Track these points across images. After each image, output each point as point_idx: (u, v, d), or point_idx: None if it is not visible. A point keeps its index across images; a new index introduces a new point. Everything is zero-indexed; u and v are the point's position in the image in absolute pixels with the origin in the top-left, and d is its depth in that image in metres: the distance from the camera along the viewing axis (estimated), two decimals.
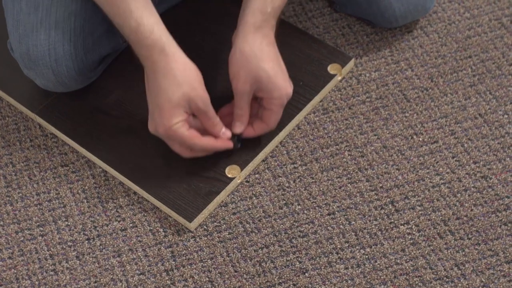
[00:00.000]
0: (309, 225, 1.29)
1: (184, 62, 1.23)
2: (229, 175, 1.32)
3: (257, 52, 1.23)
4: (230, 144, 1.29)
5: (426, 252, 1.26)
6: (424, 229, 1.27)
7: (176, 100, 1.22)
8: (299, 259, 1.26)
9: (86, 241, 1.29)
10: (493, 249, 1.25)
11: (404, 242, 1.26)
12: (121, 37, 1.38)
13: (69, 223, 1.30)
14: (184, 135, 1.24)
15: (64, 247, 1.28)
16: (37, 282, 1.25)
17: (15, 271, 1.26)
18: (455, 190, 1.31)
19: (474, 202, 1.30)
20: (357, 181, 1.33)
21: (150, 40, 1.21)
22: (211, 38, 1.46)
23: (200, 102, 1.23)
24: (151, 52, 1.21)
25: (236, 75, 1.25)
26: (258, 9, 1.23)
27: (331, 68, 1.42)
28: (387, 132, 1.37)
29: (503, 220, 1.28)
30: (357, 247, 1.26)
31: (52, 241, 1.29)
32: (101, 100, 1.40)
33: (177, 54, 1.22)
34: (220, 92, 1.38)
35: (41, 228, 1.30)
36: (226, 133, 1.28)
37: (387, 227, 1.28)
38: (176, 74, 1.21)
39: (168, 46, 1.22)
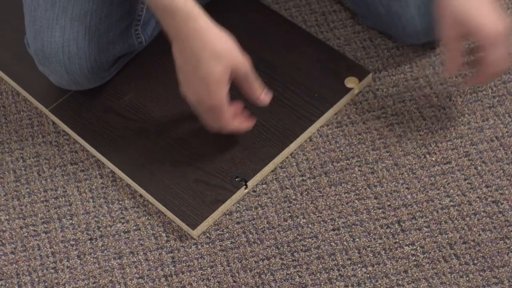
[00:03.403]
0: (312, 239, 1.27)
1: (219, 32, 1.22)
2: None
3: None
4: (249, 128, 1.31)
5: (429, 275, 1.23)
6: (429, 251, 1.25)
7: (219, 73, 1.21)
8: (300, 274, 1.24)
9: (89, 241, 1.29)
10: (498, 276, 1.22)
11: (407, 263, 1.24)
12: (136, 38, 1.38)
13: (73, 222, 1.30)
14: (226, 113, 1.24)
15: (66, 245, 1.28)
16: (36, 279, 1.25)
17: (16, 266, 1.27)
18: (464, 213, 1.28)
19: (482, 227, 1.27)
20: (365, 198, 1.31)
21: (185, 10, 1.19)
22: None
23: (242, 68, 1.23)
24: (186, 22, 1.20)
25: (441, 21, 1.25)
26: None
27: (348, 82, 1.40)
28: (400, 149, 1.35)
29: (511, 247, 1.25)
30: (359, 265, 1.24)
31: (55, 238, 1.29)
32: (114, 101, 1.40)
33: (211, 24, 1.21)
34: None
35: (45, 225, 1.30)
36: (266, 98, 1.29)
37: (391, 247, 1.26)
38: (215, 48, 1.20)
39: (201, 17, 1.20)
